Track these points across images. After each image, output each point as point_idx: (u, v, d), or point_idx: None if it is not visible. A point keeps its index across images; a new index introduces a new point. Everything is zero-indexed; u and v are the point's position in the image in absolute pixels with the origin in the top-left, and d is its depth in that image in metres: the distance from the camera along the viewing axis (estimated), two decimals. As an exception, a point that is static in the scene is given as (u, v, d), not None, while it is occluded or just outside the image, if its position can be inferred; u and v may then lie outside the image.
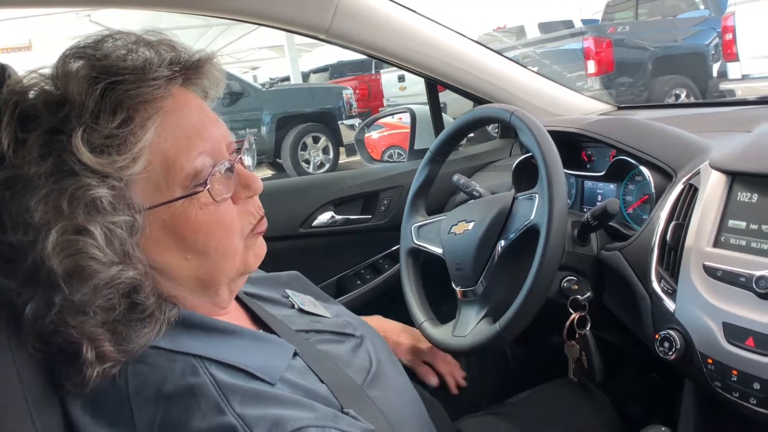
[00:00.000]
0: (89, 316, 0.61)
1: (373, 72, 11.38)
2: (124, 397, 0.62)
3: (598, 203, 1.19)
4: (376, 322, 1.16)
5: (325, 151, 8.55)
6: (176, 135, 0.65)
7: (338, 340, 0.84)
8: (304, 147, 8.51)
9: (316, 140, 8.51)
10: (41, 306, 0.61)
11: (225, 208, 0.69)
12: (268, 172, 8.68)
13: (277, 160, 8.52)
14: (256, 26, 1.33)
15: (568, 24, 9.48)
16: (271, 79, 14.84)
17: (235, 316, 0.78)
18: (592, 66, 6.69)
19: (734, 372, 0.83)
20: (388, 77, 10.70)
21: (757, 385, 0.80)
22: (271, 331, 0.78)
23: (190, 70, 0.69)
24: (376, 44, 1.34)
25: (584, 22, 9.64)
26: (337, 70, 12.38)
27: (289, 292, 0.94)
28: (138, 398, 0.62)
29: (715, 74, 7.11)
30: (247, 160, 0.75)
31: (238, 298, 0.82)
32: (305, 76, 13.25)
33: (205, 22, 13.15)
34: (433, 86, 1.63)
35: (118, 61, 0.64)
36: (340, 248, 1.58)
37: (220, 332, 0.70)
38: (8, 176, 0.60)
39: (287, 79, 13.52)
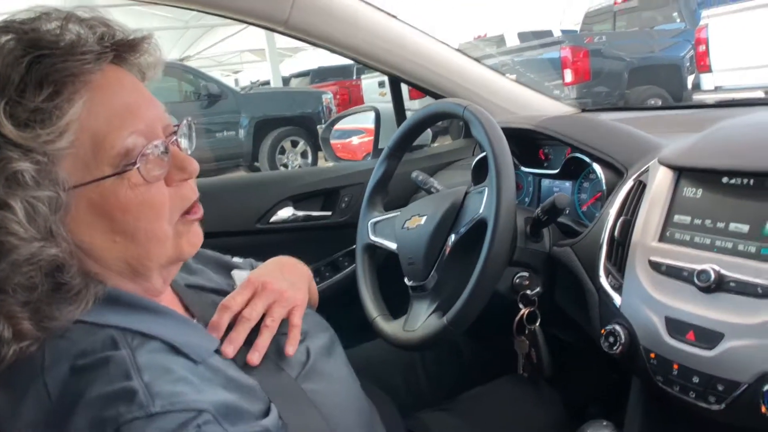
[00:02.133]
0: (8, 294, 0.59)
1: (354, 77, 11.40)
2: (38, 371, 0.61)
3: (550, 200, 1.19)
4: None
5: (304, 155, 8.52)
6: (107, 112, 0.64)
7: (278, 334, 0.83)
8: (282, 151, 8.47)
9: (294, 144, 8.48)
10: None
11: (156, 190, 0.67)
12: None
13: (255, 163, 8.47)
14: (239, 30, 1.31)
15: (548, 34, 9.59)
16: (251, 82, 14.80)
17: (167, 303, 0.76)
18: (569, 75, 6.76)
19: (675, 366, 0.83)
20: (369, 83, 10.71)
21: (696, 379, 0.80)
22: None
23: (122, 47, 0.68)
24: (335, 38, 1.33)
25: (563, 32, 9.75)
26: (318, 75, 12.38)
27: (235, 276, 0.92)
28: (52, 372, 0.60)
29: (689, 86, 7.22)
30: (184, 143, 0.73)
31: (173, 288, 0.80)
32: (286, 81, 13.24)
33: (183, 24, 13.11)
34: (397, 84, 1.62)
35: (47, 35, 0.63)
36: (299, 245, 1.56)
37: (147, 310, 0.69)
38: None
39: (268, 83, 13.48)
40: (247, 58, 21.73)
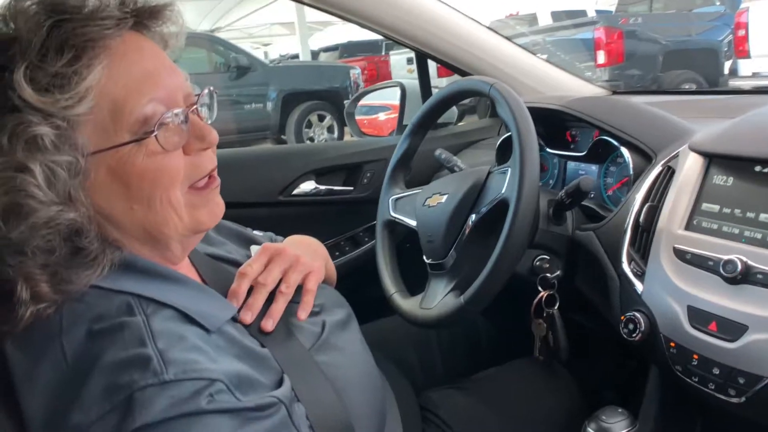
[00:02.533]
0: (27, 256, 0.60)
1: (383, 53, 11.30)
2: (56, 333, 0.62)
3: (574, 182, 1.17)
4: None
5: (330, 130, 8.51)
6: (127, 79, 0.63)
7: (293, 303, 0.83)
8: (309, 125, 8.48)
9: (321, 118, 8.48)
10: None
11: (174, 158, 0.67)
12: (272, 148, 8.66)
13: (282, 136, 8.50)
14: (269, 3, 1.29)
15: (582, 14, 9.37)
16: (280, 55, 14.77)
17: (185, 272, 0.76)
18: (601, 56, 6.61)
19: (695, 356, 0.81)
20: (397, 59, 10.60)
21: (716, 370, 0.79)
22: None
23: (144, 14, 0.68)
24: (361, 11, 1.31)
25: (598, 12, 9.53)
26: (347, 50, 12.31)
27: (253, 250, 0.92)
28: (69, 335, 0.61)
29: (726, 71, 7.02)
30: (204, 112, 0.73)
31: (190, 257, 0.80)
32: (315, 55, 13.19)
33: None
34: (424, 60, 1.60)
35: (69, 0, 0.63)
36: (320, 219, 1.57)
37: (162, 277, 0.69)
38: None
39: (297, 56, 13.44)
40: (277, 31, 21.65)
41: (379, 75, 10.94)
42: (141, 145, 0.64)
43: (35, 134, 0.59)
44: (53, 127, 0.59)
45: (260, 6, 15.09)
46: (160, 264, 0.71)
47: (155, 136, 0.64)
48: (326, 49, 13.44)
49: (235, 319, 0.73)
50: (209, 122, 0.73)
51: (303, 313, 0.80)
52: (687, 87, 6.86)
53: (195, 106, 0.70)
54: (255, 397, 0.64)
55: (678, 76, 6.95)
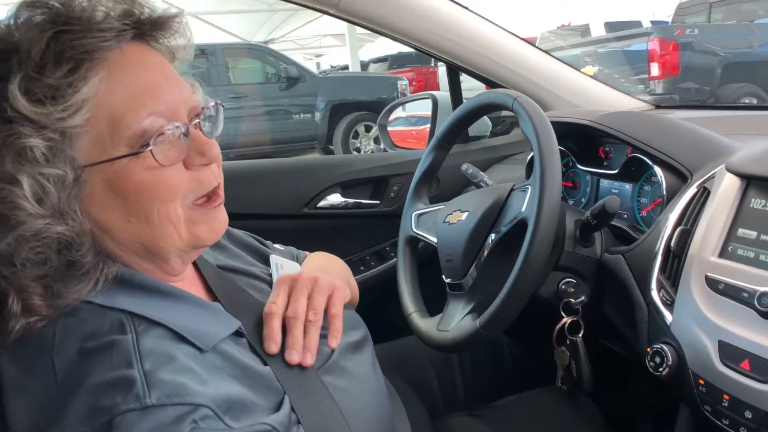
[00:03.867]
0: (18, 267, 0.60)
1: (432, 64, 11.28)
2: (48, 349, 0.61)
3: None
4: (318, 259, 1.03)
5: (377, 140, 8.53)
6: (125, 91, 0.62)
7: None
8: (356, 135, 8.54)
9: (368, 129, 8.52)
10: None
11: (173, 172, 0.65)
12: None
13: (329, 146, 8.57)
14: (320, 14, 1.29)
15: (636, 25, 9.11)
16: (331, 66, 14.94)
17: (188, 284, 0.75)
18: (655, 68, 6.39)
19: (726, 397, 0.75)
20: (445, 70, 10.56)
21: (749, 414, 0.72)
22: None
23: (146, 26, 0.66)
24: (389, 22, 1.28)
25: (653, 23, 9.26)
26: (396, 61, 12.34)
27: (272, 262, 0.90)
28: (61, 352, 0.60)
29: (791, 85, 6.70)
30: (207, 126, 0.70)
31: (198, 267, 0.79)
32: (365, 66, 13.28)
33: (268, 6, 13.33)
34: (455, 72, 1.56)
35: (73, 11, 0.62)
36: (345, 232, 1.54)
37: (159, 293, 0.68)
38: None
39: (347, 67, 13.57)
40: (329, 43, 21.91)
41: (427, 86, 10.91)
42: (138, 158, 0.63)
43: (25, 146, 0.58)
44: (45, 139, 0.59)
45: (312, 18, 15.29)
46: (158, 279, 0.69)
47: (151, 150, 0.63)
48: (376, 60, 13.51)
49: (240, 334, 0.71)
50: (214, 136, 0.71)
51: (334, 341, 0.76)
52: (747, 101, 6.58)
53: (197, 120, 0.68)
54: (247, 423, 0.61)
55: (738, 89, 6.67)
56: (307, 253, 1.03)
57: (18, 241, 0.59)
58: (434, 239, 1.10)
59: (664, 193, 0.99)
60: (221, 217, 0.72)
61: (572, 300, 0.99)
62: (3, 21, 0.63)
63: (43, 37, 0.59)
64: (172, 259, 0.70)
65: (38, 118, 0.58)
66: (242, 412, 0.62)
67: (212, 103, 0.72)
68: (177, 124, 0.65)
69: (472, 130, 1.62)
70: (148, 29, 0.67)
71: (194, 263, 0.78)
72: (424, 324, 1.06)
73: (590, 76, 1.55)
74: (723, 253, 0.81)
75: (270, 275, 0.89)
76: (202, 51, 7.88)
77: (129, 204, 0.64)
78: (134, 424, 0.55)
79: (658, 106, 1.59)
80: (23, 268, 0.60)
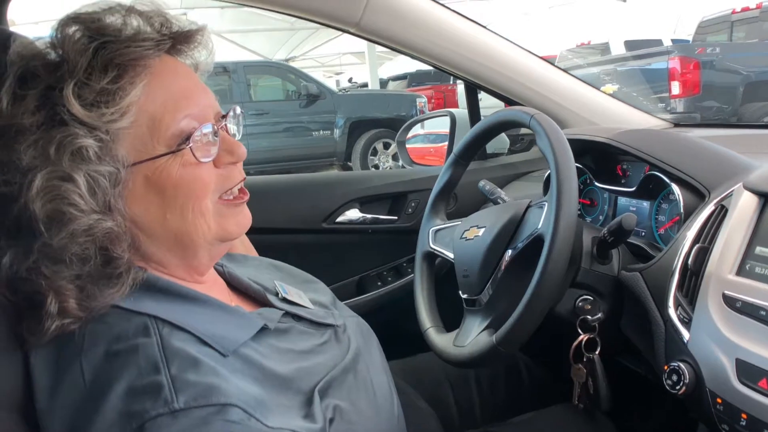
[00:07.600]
0: (65, 264, 0.64)
1: (451, 82, 11.32)
2: (77, 353, 0.64)
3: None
4: None
5: (395, 157, 8.56)
6: (164, 97, 0.68)
7: (314, 329, 0.82)
8: (375, 152, 8.58)
9: (386, 146, 8.56)
10: (20, 253, 0.64)
11: (206, 169, 0.71)
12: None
13: (348, 163, 8.62)
14: (341, 33, 1.34)
15: (657, 43, 9.08)
16: (349, 82, 15.05)
17: (210, 287, 0.78)
18: (676, 87, 6.35)
19: (744, 416, 0.74)
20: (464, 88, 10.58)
21: (767, 433, 0.71)
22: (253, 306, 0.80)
23: (179, 38, 0.73)
24: (408, 41, 1.30)
25: (674, 41, 9.21)
26: (415, 79, 12.42)
27: (277, 283, 0.92)
28: (88, 355, 0.63)
29: (814, 104, 6.61)
30: (232, 128, 0.77)
31: (222, 273, 0.84)
32: (384, 83, 13.36)
33: (289, 25, 13.49)
34: (473, 90, 1.57)
35: (110, 26, 0.69)
36: (363, 247, 1.55)
37: (183, 298, 0.71)
38: (2, 125, 0.64)
39: (366, 85, 13.67)
40: (348, 60, 22.14)
41: (446, 103, 10.95)
42: (176, 156, 0.68)
43: (81, 146, 0.63)
44: (97, 139, 0.64)
45: (332, 37, 15.48)
46: (183, 283, 0.73)
47: (190, 147, 0.68)
48: (395, 78, 13.60)
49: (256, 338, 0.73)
50: (236, 137, 0.78)
51: None
52: (770, 120, 6.51)
53: (224, 123, 0.74)
54: (276, 422, 0.63)
55: (760, 108, 6.59)
56: None
57: (71, 237, 0.63)
58: (451, 255, 1.11)
59: (682, 210, 0.99)
60: (247, 212, 0.78)
61: (589, 317, 0.99)
62: (45, 38, 0.69)
63: (89, 48, 0.65)
64: (201, 253, 0.74)
65: (91, 120, 0.64)
66: (267, 411, 0.64)
67: (236, 109, 0.79)
68: (208, 125, 0.70)
69: (490, 147, 1.63)
70: (180, 41, 0.73)
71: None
72: (441, 339, 1.07)
73: (609, 95, 1.55)
74: (740, 271, 0.81)
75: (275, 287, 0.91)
76: (225, 69, 8.02)
77: (167, 199, 0.69)
78: (164, 428, 0.57)
79: (677, 125, 1.59)
80: (69, 264, 0.64)
